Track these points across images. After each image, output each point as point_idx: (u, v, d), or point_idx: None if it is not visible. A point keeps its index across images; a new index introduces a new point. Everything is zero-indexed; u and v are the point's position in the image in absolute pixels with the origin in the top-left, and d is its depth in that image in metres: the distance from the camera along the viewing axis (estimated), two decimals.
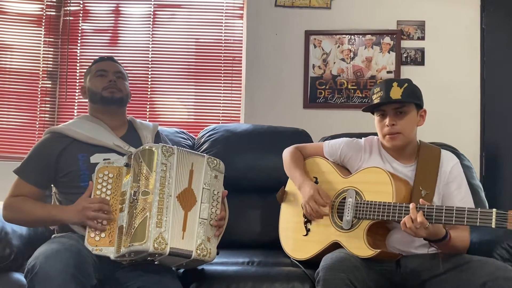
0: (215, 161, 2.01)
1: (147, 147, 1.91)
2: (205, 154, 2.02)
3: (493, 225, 1.69)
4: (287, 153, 2.37)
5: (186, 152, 1.97)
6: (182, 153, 1.94)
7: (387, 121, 2.06)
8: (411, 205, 1.83)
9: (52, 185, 2.13)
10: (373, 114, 2.16)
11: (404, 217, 1.84)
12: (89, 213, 1.86)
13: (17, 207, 2.00)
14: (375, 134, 2.20)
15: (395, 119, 2.05)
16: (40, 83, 3.62)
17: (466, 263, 1.87)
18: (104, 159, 2.00)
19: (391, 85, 2.05)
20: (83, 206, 1.88)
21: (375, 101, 2.08)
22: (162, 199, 1.83)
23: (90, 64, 2.27)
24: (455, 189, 2.06)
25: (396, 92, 2.04)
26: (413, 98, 2.07)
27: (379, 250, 1.91)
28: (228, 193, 2.05)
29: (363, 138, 2.27)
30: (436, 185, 2.05)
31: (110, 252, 1.84)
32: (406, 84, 2.06)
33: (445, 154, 2.13)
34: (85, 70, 2.27)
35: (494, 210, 1.70)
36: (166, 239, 1.79)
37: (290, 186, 2.37)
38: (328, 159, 2.28)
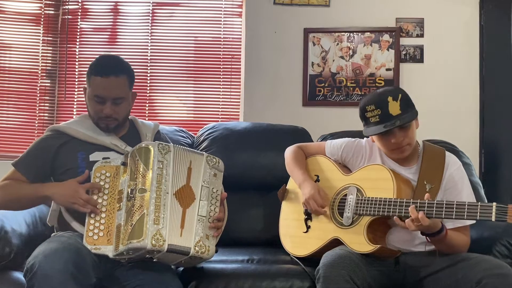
0: (214, 160, 2.00)
1: (143, 145, 1.91)
2: (204, 153, 2.02)
3: (493, 219, 1.70)
4: (289, 151, 2.37)
5: (183, 149, 1.97)
6: (179, 150, 1.94)
7: (393, 138, 1.98)
8: (411, 207, 1.83)
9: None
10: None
11: (404, 212, 1.86)
12: (79, 199, 1.86)
13: (7, 187, 2.01)
14: None
15: (402, 134, 1.99)
16: (39, 82, 3.62)
17: (462, 260, 1.88)
18: (104, 158, 2.00)
19: (386, 101, 1.96)
20: (75, 189, 1.88)
21: (373, 120, 1.98)
22: (159, 196, 1.83)
23: (90, 62, 2.10)
24: (456, 194, 2.03)
25: (394, 108, 1.96)
26: (410, 108, 2.01)
27: (379, 246, 1.91)
28: (227, 191, 2.04)
29: (365, 138, 2.24)
30: (441, 180, 2.03)
31: (108, 250, 1.84)
32: (400, 95, 1.98)
33: (449, 156, 2.12)
34: (84, 68, 2.25)
35: (494, 203, 1.72)
36: (164, 236, 1.79)
37: (291, 184, 2.37)
38: (330, 158, 2.28)
